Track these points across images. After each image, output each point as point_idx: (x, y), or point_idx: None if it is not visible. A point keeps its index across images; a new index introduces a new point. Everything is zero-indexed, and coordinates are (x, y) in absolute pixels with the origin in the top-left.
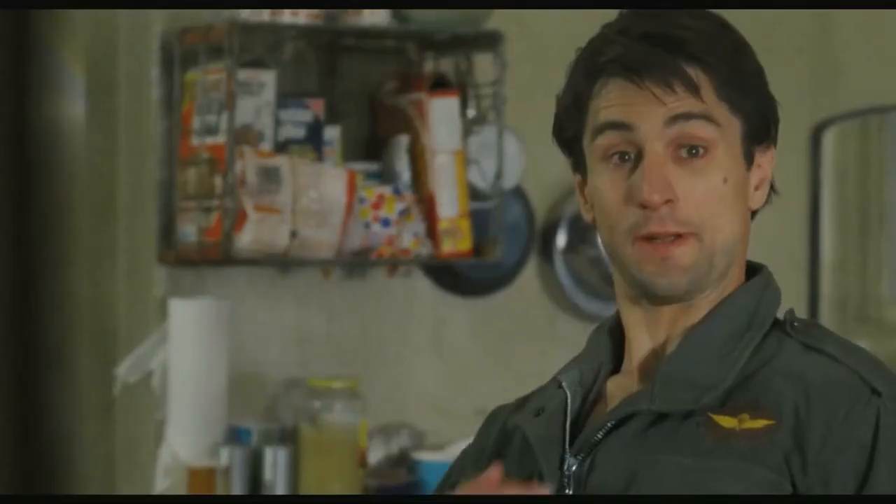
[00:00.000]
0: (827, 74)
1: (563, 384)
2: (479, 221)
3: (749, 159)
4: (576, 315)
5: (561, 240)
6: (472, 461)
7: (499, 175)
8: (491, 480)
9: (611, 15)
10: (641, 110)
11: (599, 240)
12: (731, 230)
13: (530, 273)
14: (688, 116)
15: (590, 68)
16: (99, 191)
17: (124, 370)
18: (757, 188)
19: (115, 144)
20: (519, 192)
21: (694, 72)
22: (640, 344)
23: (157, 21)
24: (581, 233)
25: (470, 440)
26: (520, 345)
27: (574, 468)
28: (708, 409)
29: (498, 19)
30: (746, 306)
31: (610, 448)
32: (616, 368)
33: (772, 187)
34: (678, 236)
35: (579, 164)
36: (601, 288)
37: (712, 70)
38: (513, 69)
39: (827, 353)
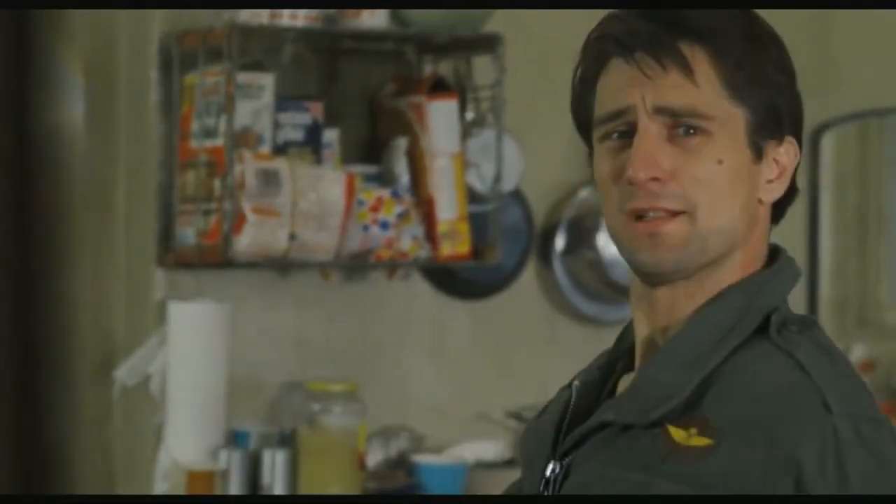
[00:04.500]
0: (826, 76)
1: (574, 384)
2: (478, 224)
3: (757, 151)
4: (574, 318)
5: (560, 242)
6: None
7: (498, 178)
8: None
9: None
10: (633, 90)
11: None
12: (728, 214)
13: (529, 276)
14: (673, 113)
15: (592, 48)
16: (98, 194)
17: (123, 373)
18: (771, 181)
19: (115, 147)
20: (518, 195)
21: (691, 51)
22: (640, 341)
23: (156, 24)
24: (580, 236)
25: (468, 443)
26: (518, 347)
27: (553, 472)
28: (669, 419)
29: (497, 22)
30: (737, 304)
31: (583, 456)
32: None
33: (795, 186)
34: (668, 214)
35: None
36: (600, 291)
37: (717, 50)
38: (512, 72)
39: (795, 357)
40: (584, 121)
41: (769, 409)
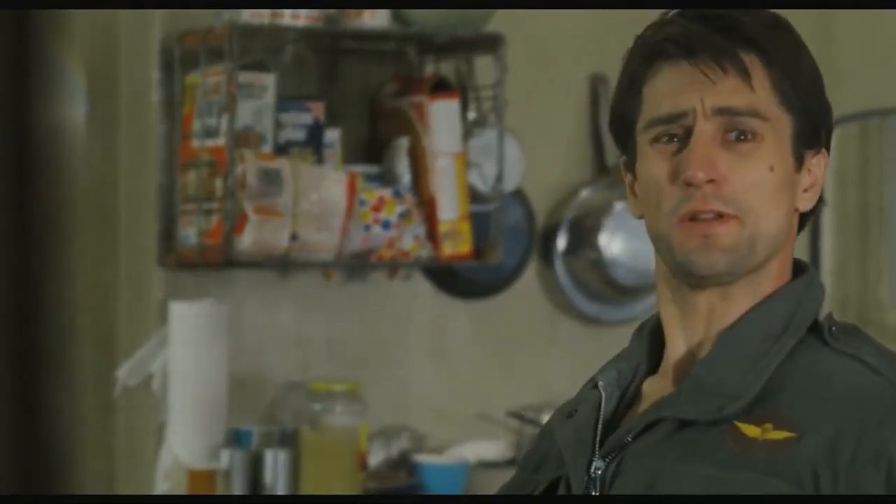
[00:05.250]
0: (827, 77)
1: (599, 384)
2: (480, 224)
3: (798, 159)
4: (576, 318)
5: (561, 242)
6: (528, 472)
7: (499, 178)
8: None
9: (612, 16)
10: (692, 94)
11: (647, 229)
12: (775, 220)
13: (530, 276)
14: (734, 112)
15: (645, 50)
16: (99, 194)
17: (125, 373)
18: (806, 191)
19: (116, 147)
20: (519, 195)
21: (749, 58)
22: (675, 343)
23: (158, 24)
24: (581, 235)
25: (469, 443)
26: (520, 347)
27: (600, 471)
28: (734, 416)
29: (498, 22)
30: (785, 309)
31: (637, 453)
32: (655, 368)
33: (820, 197)
34: (720, 216)
35: (632, 159)
36: (601, 291)
37: (768, 59)
38: (513, 72)
39: (865, 361)
40: (627, 123)
41: (852, 408)
